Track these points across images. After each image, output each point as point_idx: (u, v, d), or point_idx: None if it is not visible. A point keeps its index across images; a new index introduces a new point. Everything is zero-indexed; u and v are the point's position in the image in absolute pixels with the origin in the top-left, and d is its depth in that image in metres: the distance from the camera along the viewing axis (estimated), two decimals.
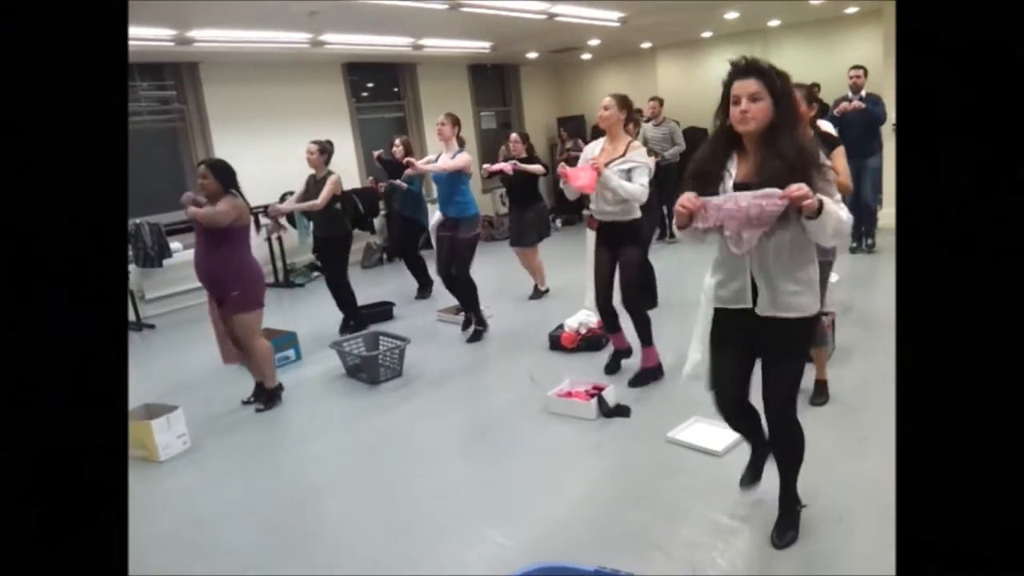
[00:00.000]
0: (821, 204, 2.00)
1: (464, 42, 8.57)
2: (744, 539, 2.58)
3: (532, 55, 10.46)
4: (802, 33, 9.79)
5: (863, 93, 6.45)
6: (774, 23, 9.57)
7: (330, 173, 5.24)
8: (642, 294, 4.11)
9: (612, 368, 4.23)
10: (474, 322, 5.33)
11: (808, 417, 3.46)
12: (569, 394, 3.85)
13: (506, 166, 5.76)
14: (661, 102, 8.18)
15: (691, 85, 10.56)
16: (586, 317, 4.76)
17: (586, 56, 11.15)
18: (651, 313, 4.04)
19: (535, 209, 6.27)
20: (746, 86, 2.12)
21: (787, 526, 2.52)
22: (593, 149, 3.94)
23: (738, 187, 2.15)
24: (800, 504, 2.55)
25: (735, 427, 2.62)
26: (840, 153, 3.28)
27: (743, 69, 2.15)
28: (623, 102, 3.83)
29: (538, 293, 6.36)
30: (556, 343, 4.82)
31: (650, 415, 3.61)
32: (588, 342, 4.71)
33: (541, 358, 4.73)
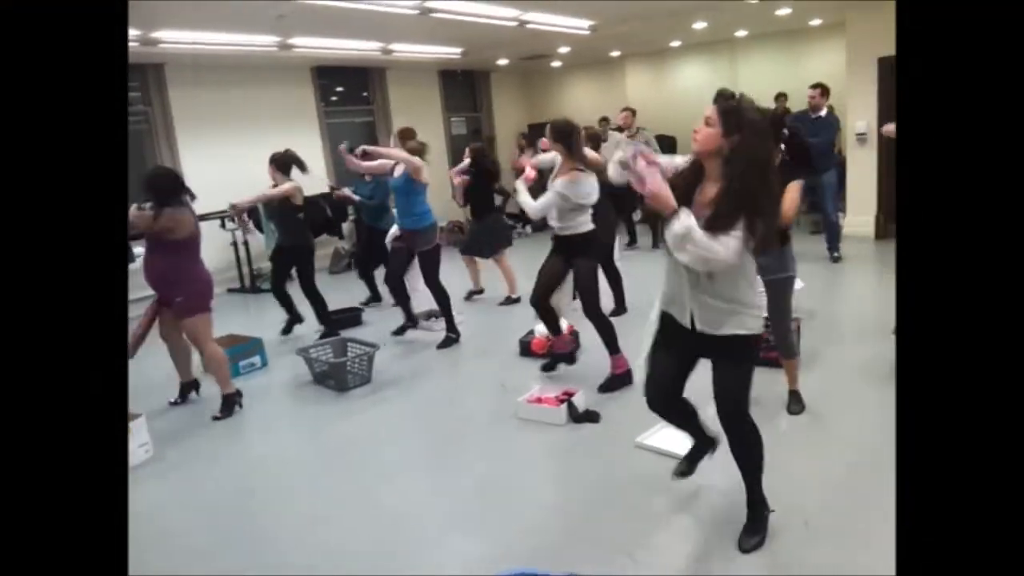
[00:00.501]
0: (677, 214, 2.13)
1: (434, 47, 8.57)
2: (712, 543, 2.59)
3: (503, 61, 10.49)
4: (769, 44, 9.97)
5: (822, 112, 6.65)
6: (741, 33, 9.72)
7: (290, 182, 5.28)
8: (592, 299, 4.15)
9: (548, 367, 4.41)
10: (446, 329, 5.31)
11: (781, 425, 3.52)
12: (539, 400, 3.84)
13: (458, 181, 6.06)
14: (634, 112, 8.24)
15: (660, 94, 10.68)
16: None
17: (556, 64, 11.20)
18: (622, 319, 4.07)
19: (489, 220, 6.37)
20: (707, 110, 2.23)
21: (753, 531, 2.54)
22: (552, 159, 4.13)
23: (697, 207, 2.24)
24: (767, 509, 2.58)
25: (667, 420, 2.72)
26: (794, 187, 3.23)
27: (716, 95, 2.29)
28: (559, 133, 3.96)
29: (471, 295, 6.55)
30: (526, 349, 4.82)
31: (619, 420, 3.62)
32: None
33: (511, 364, 4.72)
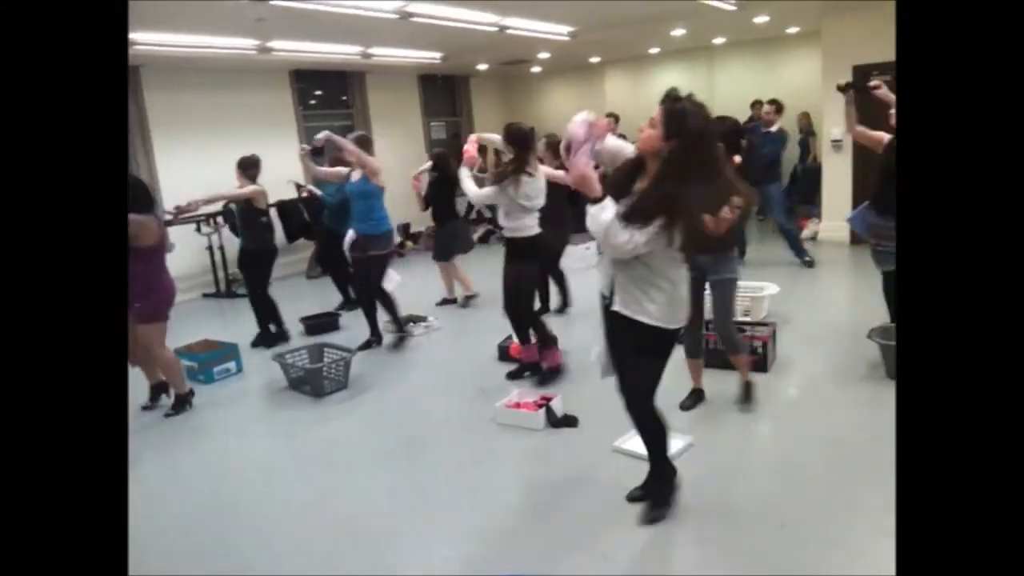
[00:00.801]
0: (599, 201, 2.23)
1: (414, 52, 8.55)
2: (689, 546, 2.60)
3: (482, 66, 10.50)
4: (746, 51, 10.07)
5: (773, 128, 6.82)
6: (719, 40, 9.81)
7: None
8: (523, 300, 4.33)
9: (514, 375, 4.46)
10: (395, 330, 5.30)
11: (760, 428, 3.55)
12: (518, 405, 3.83)
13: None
14: (616, 119, 8.28)
15: (638, 100, 10.74)
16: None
17: (536, 69, 11.23)
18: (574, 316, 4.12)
19: (450, 225, 6.44)
20: (654, 111, 2.31)
21: (653, 503, 2.73)
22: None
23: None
24: (674, 471, 2.73)
25: (633, 419, 2.74)
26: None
27: (663, 96, 2.32)
28: (512, 136, 4.07)
29: (464, 301, 6.51)
30: (505, 353, 4.81)
31: (597, 425, 3.62)
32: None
33: (490, 368, 4.71)
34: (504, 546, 2.69)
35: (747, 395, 3.71)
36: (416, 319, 5.86)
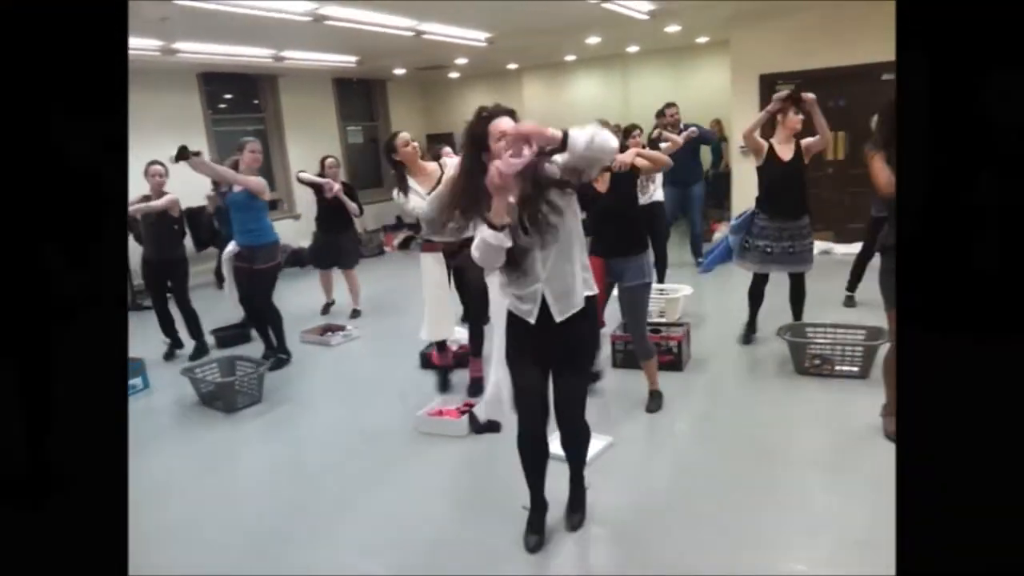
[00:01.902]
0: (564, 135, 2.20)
1: (328, 55, 8.38)
2: (609, 546, 2.62)
3: (400, 71, 10.39)
4: (659, 59, 10.35)
5: (682, 125, 7.03)
6: (633, 49, 10.04)
7: (165, 194, 5.11)
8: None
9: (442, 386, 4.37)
10: (276, 350, 5.06)
11: (665, 422, 3.62)
12: (440, 412, 3.79)
13: (331, 184, 5.93)
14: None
15: (555, 106, 10.88)
16: (458, 334, 4.72)
17: (454, 75, 11.21)
18: None
19: (350, 234, 6.43)
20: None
21: (576, 508, 2.74)
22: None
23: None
24: (585, 486, 2.75)
25: (532, 463, 2.64)
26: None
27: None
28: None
29: (325, 308, 6.54)
30: (427, 361, 4.75)
31: None
32: (460, 360, 4.66)
33: (411, 377, 4.64)
34: (428, 558, 2.65)
35: (654, 400, 3.79)
36: (335, 328, 5.73)
